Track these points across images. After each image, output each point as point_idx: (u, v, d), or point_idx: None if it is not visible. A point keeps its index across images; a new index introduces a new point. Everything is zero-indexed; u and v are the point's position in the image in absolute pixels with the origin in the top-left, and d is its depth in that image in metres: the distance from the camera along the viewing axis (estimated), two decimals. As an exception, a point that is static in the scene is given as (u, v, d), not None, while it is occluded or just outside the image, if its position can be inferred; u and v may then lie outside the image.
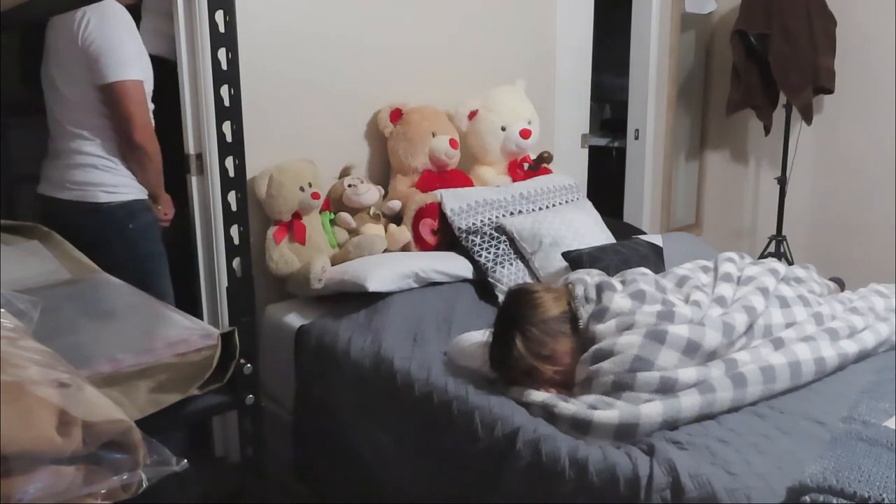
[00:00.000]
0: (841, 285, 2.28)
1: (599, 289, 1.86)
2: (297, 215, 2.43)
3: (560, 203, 2.86)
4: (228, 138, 1.06)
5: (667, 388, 1.60)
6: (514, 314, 1.81)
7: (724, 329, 1.71)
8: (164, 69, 2.29)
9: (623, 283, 1.95)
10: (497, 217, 2.64)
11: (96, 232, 2.07)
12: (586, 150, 3.66)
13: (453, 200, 2.62)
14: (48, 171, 2.18)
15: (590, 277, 1.93)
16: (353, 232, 2.58)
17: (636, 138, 3.96)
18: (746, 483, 1.37)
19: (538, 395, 1.71)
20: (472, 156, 2.91)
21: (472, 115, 2.84)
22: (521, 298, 1.84)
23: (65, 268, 1.44)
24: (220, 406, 1.04)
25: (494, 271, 2.50)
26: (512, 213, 2.68)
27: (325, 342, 2.20)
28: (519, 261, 2.56)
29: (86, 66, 2.02)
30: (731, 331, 1.72)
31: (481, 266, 2.52)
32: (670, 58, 3.94)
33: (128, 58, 2.02)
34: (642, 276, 1.97)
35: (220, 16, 1.01)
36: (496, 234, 2.59)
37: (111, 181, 2.12)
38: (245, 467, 1.13)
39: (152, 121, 2.13)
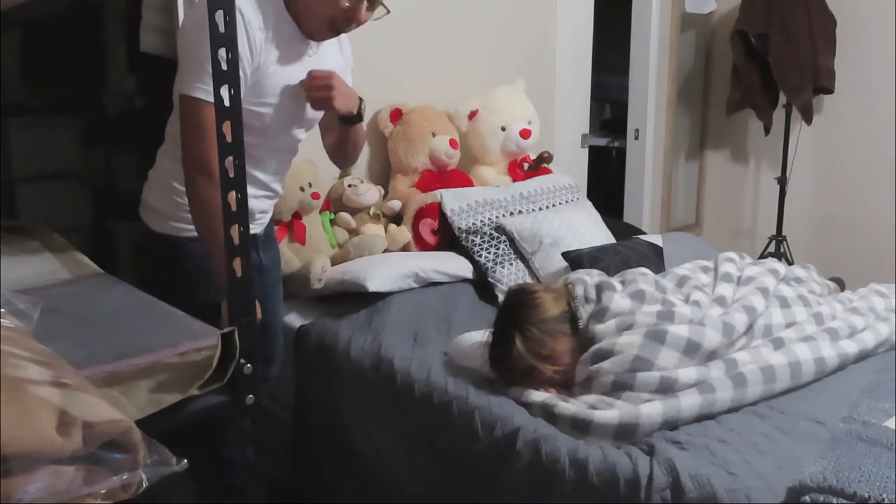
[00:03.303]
0: (841, 285, 2.28)
1: (599, 289, 1.86)
2: (296, 215, 2.43)
3: (560, 203, 2.86)
4: (228, 138, 1.05)
5: (667, 388, 1.60)
6: (514, 314, 1.81)
7: (724, 329, 1.71)
8: (165, 69, 2.29)
9: (623, 283, 1.95)
10: (497, 217, 2.64)
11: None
12: (586, 150, 3.65)
13: (453, 200, 2.62)
14: None
15: (589, 277, 1.93)
16: (353, 232, 2.58)
17: (636, 138, 3.96)
18: (746, 483, 1.37)
19: (538, 395, 1.71)
20: (472, 156, 2.91)
21: (472, 115, 2.84)
22: (520, 298, 1.84)
23: (65, 268, 1.44)
24: (220, 406, 1.04)
25: (494, 271, 2.50)
26: (512, 213, 2.68)
27: (325, 342, 2.20)
28: (519, 261, 2.56)
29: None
30: (731, 331, 1.72)
31: (481, 266, 2.52)
32: (670, 58, 3.94)
33: (204, 69, 1.50)
34: (642, 276, 1.97)
35: (219, 16, 1.01)
36: (496, 234, 2.59)
37: (145, 197, 1.81)
38: (245, 467, 1.13)
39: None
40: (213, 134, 1.54)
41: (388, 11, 1.67)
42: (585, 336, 1.77)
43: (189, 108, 1.60)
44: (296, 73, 1.71)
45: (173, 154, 1.71)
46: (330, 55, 1.80)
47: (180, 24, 1.64)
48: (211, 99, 1.54)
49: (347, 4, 1.61)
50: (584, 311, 1.81)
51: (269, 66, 1.65)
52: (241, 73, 1.55)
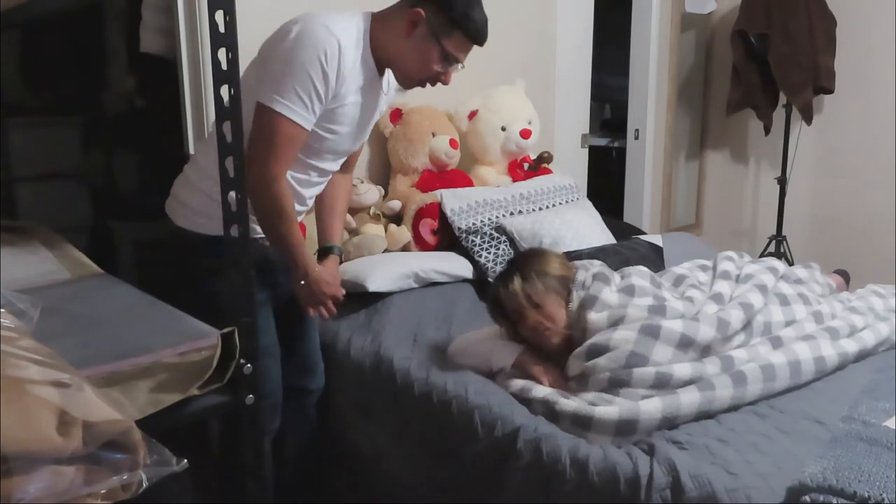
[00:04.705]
0: (846, 278, 2.28)
1: (594, 279, 1.88)
2: (297, 215, 2.43)
3: (560, 203, 2.86)
4: (228, 138, 1.05)
5: (662, 384, 1.61)
6: (522, 260, 1.94)
7: (718, 324, 1.72)
8: (165, 69, 2.29)
9: (621, 277, 1.96)
10: (497, 217, 2.64)
11: None
12: (586, 150, 3.65)
13: (453, 200, 2.62)
14: None
15: (592, 268, 1.94)
16: (353, 232, 2.58)
17: (636, 138, 3.96)
18: (746, 483, 1.37)
19: (540, 391, 1.71)
20: (472, 156, 2.91)
21: (472, 115, 2.84)
22: (532, 251, 2.07)
23: (65, 268, 1.44)
24: (220, 406, 1.04)
25: (494, 271, 2.50)
26: (512, 213, 2.68)
27: (325, 342, 2.20)
28: (519, 261, 2.56)
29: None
30: (725, 326, 1.72)
31: (481, 266, 2.52)
32: (670, 58, 3.94)
33: (292, 85, 1.58)
34: (637, 272, 1.97)
35: (220, 16, 1.01)
36: (496, 235, 2.59)
37: (176, 191, 1.81)
38: (244, 468, 1.13)
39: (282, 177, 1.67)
40: (284, 148, 1.62)
41: (464, 66, 1.82)
42: (575, 319, 1.78)
43: (264, 119, 1.59)
44: (368, 108, 1.79)
45: (216, 155, 1.70)
46: (392, 91, 1.90)
47: (281, 33, 1.62)
48: (288, 115, 1.59)
49: (439, 70, 1.74)
50: (577, 296, 1.83)
51: (348, 96, 1.70)
52: (321, 98, 1.63)
